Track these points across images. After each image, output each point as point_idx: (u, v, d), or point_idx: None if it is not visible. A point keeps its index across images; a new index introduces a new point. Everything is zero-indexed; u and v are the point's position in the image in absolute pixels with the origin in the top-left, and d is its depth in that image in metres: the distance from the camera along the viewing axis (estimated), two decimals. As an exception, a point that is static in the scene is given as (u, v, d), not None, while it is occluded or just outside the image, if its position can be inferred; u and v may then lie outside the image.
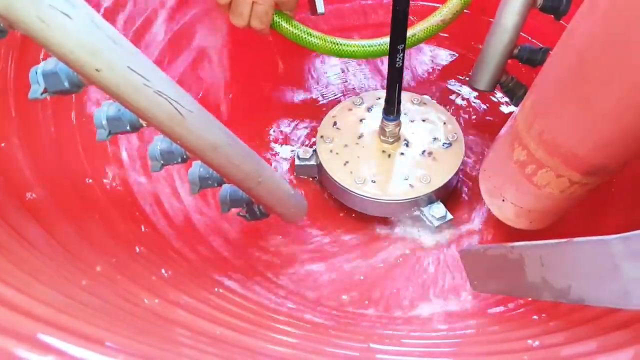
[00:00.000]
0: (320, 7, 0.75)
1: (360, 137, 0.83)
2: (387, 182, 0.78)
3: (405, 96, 0.84)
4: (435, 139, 0.82)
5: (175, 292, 0.52)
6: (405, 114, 0.83)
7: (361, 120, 0.85)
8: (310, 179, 0.86)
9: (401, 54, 0.67)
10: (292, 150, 0.88)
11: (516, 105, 0.79)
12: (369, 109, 0.86)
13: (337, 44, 0.74)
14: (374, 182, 0.78)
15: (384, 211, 0.79)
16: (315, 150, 0.83)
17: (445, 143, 0.81)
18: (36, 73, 0.40)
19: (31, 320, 0.30)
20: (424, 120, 0.84)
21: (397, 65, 0.68)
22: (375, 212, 0.80)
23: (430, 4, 0.98)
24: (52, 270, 0.41)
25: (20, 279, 0.36)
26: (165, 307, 0.47)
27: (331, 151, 0.81)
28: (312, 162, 0.83)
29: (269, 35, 0.74)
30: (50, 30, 0.33)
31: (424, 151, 0.80)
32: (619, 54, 0.44)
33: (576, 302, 0.44)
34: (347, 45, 0.74)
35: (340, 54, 0.75)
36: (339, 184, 0.78)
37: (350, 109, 0.86)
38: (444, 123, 0.84)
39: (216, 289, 0.61)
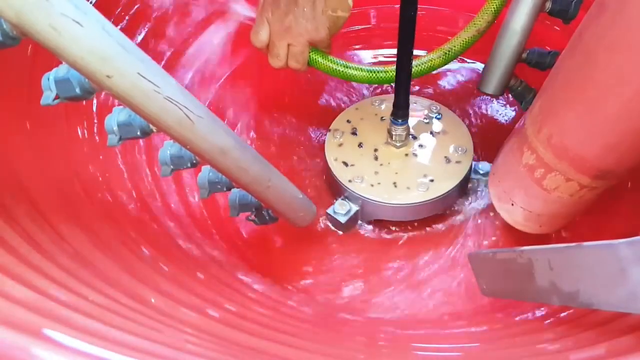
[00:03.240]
0: None
1: (368, 141, 0.83)
2: (396, 187, 0.78)
3: (413, 100, 0.84)
4: (443, 142, 0.82)
5: (183, 292, 0.53)
6: (413, 117, 0.84)
7: (369, 124, 0.85)
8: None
9: (410, 58, 0.67)
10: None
11: (525, 109, 0.79)
12: (376, 114, 0.86)
13: (374, 72, 0.74)
14: (382, 186, 0.78)
15: (393, 215, 0.79)
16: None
17: (454, 146, 0.81)
18: (48, 80, 0.40)
19: (37, 316, 0.31)
20: (432, 124, 0.84)
21: (405, 69, 0.68)
22: (384, 216, 0.80)
23: (434, 7, 0.99)
24: (59, 269, 0.42)
25: (29, 276, 0.37)
26: (172, 307, 0.47)
27: (338, 154, 0.81)
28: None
29: (305, 72, 0.76)
30: (62, 38, 0.33)
31: (432, 154, 0.80)
32: (626, 57, 0.44)
33: (585, 307, 0.44)
34: (384, 72, 0.74)
35: (378, 81, 0.75)
36: (347, 187, 0.79)
37: (358, 113, 0.87)
38: (453, 126, 0.84)
39: (227, 290, 0.61)
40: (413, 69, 0.74)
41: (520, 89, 0.80)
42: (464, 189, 0.82)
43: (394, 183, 0.78)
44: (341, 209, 0.79)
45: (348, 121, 0.86)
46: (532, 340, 0.54)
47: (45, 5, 0.32)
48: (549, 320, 0.58)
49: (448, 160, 0.80)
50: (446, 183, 0.78)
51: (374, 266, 0.78)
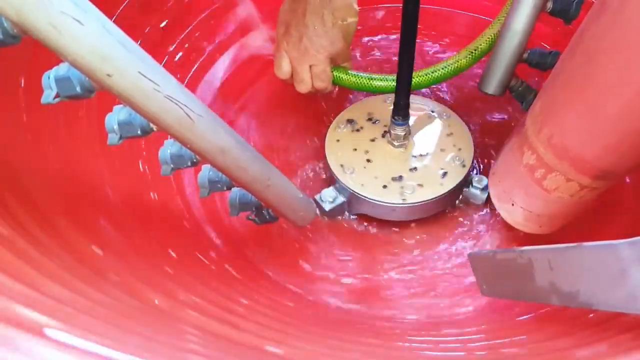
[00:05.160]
0: None
1: (369, 142, 0.83)
2: (397, 186, 0.78)
3: (414, 99, 0.84)
4: (445, 141, 0.82)
5: (185, 292, 0.53)
6: (413, 117, 0.83)
7: (371, 124, 0.85)
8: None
9: (412, 57, 0.67)
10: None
11: (526, 109, 0.79)
12: (377, 113, 0.86)
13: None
14: (385, 187, 0.78)
15: (394, 215, 0.79)
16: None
17: (455, 145, 0.81)
18: (49, 78, 0.40)
19: (39, 314, 0.31)
20: (433, 123, 0.84)
21: (407, 68, 0.68)
22: (385, 216, 0.80)
23: (436, 7, 0.99)
24: (62, 269, 0.42)
25: (30, 276, 0.37)
26: (174, 306, 0.47)
27: (340, 156, 0.81)
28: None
29: (332, 91, 0.78)
30: (62, 37, 0.33)
31: (433, 154, 0.80)
32: (626, 58, 0.44)
33: (585, 307, 0.44)
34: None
35: None
36: (349, 188, 0.78)
37: (358, 113, 0.87)
38: (454, 125, 0.84)
39: (227, 290, 0.61)
40: (439, 72, 0.74)
41: (521, 89, 0.80)
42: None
43: (410, 182, 0.78)
44: (479, 183, 0.80)
45: (343, 128, 0.84)
46: (532, 339, 0.54)
47: (45, 4, 0.32)
48: (548, 320, 0.58)
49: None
50: (453, 179, 0.78)
51: (374, 265, 0.78)
